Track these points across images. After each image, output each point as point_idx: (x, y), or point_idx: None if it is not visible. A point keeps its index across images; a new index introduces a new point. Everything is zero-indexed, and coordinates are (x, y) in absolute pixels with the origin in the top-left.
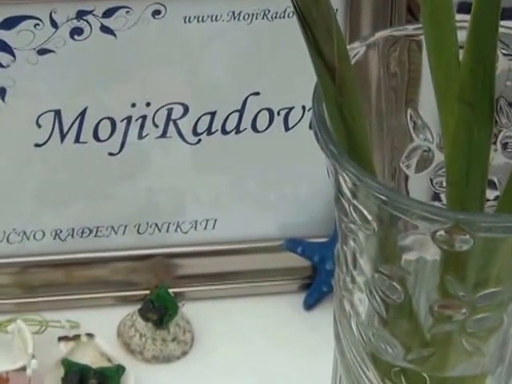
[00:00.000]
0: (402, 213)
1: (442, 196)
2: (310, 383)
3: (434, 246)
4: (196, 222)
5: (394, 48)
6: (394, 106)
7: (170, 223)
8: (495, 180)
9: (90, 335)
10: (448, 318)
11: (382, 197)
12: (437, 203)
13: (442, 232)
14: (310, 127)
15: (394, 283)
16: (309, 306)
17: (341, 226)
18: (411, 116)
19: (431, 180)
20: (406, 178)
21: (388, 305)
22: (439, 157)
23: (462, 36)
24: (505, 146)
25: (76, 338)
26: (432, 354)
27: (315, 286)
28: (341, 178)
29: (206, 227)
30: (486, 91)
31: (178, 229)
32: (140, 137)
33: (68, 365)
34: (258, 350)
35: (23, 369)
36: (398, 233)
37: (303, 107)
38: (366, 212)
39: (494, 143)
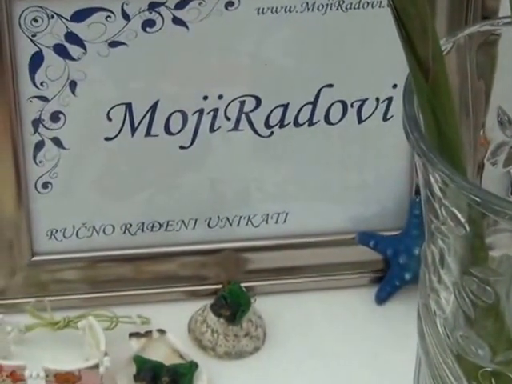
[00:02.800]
0: (496, 214)
1: None
2: (383, 379)
3: None
4: (267, 215)
5: (479, 44)
6: (479, 102)
7: (240, 217)
8: None
9: (161, 331)
10: None
11: (474, 198)
12: None
13: None
14: (384, 119)
15: (484, 285)
16: (381, 300)
17: (429, 227)
18: (498, 113)
19: None
20: (487, 173)
21: (476, 306)
22: None
23: None
24: None
25: (147, 334)
26: None
27: (387, 279)
28: (432, 178)
29: (277, 221)
30: None
31: (249, 222)
32: (212, 130)
33: (140, 362)
34: (330, 344)
35: (96, 366)
36: (485, 234)
37: (377, 99)
38: (457, 213)
39: None
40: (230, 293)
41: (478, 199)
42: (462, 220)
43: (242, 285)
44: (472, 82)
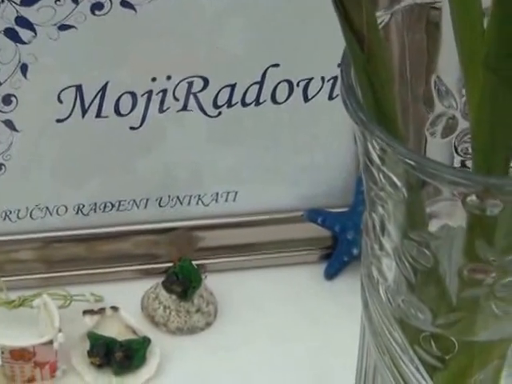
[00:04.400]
0: (432, 178)
1: (467, 163)
2: (333, 351)
3: (460, 212)
4: (217, 194)
5: (417, 16)
6: (418, 73)
7: (191, 196)
8: None
9: (114, 308)
10: (477, 282)
11: (411, 162)
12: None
13: (472, 197)
14: (329, 98)
15: (423, 248)
16: (330, 275)
17: (369, 194)
18: (435, 83)
19: (455, 147)
20: (431, 144)
21: (417, 270)
22: (463, 124)
23: (486, 1)
24: None
25: (101, 311)
26: (460, 319)
27: (336, 255)
28: (370, 145)
29: (226, 199)
30: (511, 57)
31: (200, 202)
32: (161, 110)
33: (94, 338)
34: (281, 319)
35: (50, 342)
36: (424, 199)
37: (322, 78)
38: (395, 178)
39: None
40: (181, 269)
41: (413, 163)
42: (400, 184)
43: (194, 262)
44: (411, 53)
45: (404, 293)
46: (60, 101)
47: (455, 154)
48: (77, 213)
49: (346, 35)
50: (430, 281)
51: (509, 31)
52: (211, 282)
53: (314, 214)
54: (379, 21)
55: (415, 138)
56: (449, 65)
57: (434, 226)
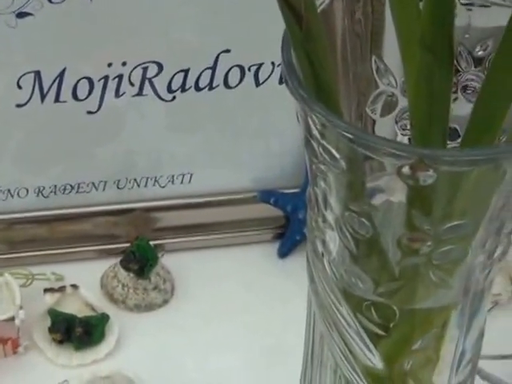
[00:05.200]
0: (369, 150)
1: (406, 139)
2: (286, 325)
3: (400, 186)
4: (173, 176)
5: None
6: (358, 53)
7: (147, 178)
8: (458, 128)
9: (74, 286)
10: (415, 251)
11: (349, 135)
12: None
13: (406, 167)
14: (280, 82)
15: (363, 219)
16: (283, 254)
17: (311, 168)
18: (375, 63)
19: (396, 124)
20: (373, 122)
21: (357, 241)
22: (403, 101)
23: None
24: (464, 88)
25: (61, 289)
26: (401, 288)
27: (288, 234)
28: (310, 121)
29: (182, 181)
30: (446, 37)
31: (156, 183)
32: (117, 95)
33: (54, 315)
34: (236, 296)
35: (11, 319)
36: (365, 172)
37: (272, 63)
38: (334, 151)
39: (456, 91)
40: (138, 248)
41: (351, 136)
42: (339, 157)
43: (152, 242)
44: (351, 33)
45: (347, 264)
46: (19, 86)
47: (398, 132)
48: (37, 195)
49: (284, 14)
50: (371, 251)
51: (442, 12)
52: (168, 260)
53: (267, 195)
54: (321, 1)
55: (357, 116)
56: (389, 45)
57: (376, 201)
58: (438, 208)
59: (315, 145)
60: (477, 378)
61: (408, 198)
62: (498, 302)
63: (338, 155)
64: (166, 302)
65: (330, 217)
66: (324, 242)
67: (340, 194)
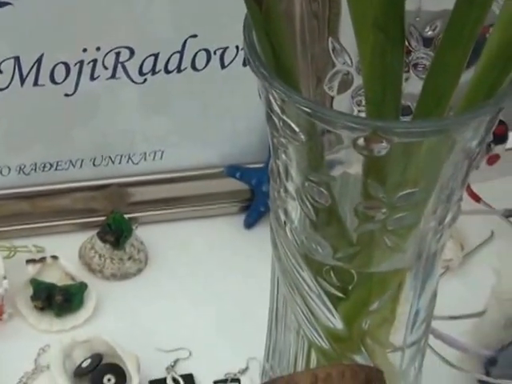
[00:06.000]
0: (326, 123)
1: (363, 115)
2: (252, 290)
3: (357, 158)
4: (145, 153)
5: None
6: (316, 34)
7: (121, 156)
8: (411, 105)
9: (54, 257)
10: (370, 218)
11: (307, 109)
12: None
13: (361, 139)
14: (244, 64)
15: (322, 189)
16: (249, 225)
17: (273, 142)
18: (332, 43)
19: (352, 100)
20: (331, 99)
21: (317, 209)
22: (358, 79)
23: None
24: (415, 66)
25: (42, 260)
26: (358, 253)
27: (253, 206)
28: (271, 97)
29: (154, 158)
30: (398, 18)
31: (130, 161)
32: (92, 79)
33: (36, 284)
34: (205, 265)
35: None
36: (323, 145)
37: (237, 47)
38: (293, 125)
39: (408, 70)
40: (114, 221)
41: (309, 110)
42: (298, 130)
43: (127, 216)
44: (309, 15)
45: (307, 231)
46: (0, 71)
47: (355, 108)
48: (19, 173)
49: None
50: (330, 219)
51: None
52: (142, 232)
53: (233, 170)
54: None
55: (316, 93)
56: (345, 26)
57: (335, 172)
58: (391, 177)
59: (276, 119)
60: (431, 337)
61: (364, 168)
62: (449, 267)
63: (297, 129)
64: (140, 270)
65: (291, 187)
66: (286, 212)
67: (300, 166)
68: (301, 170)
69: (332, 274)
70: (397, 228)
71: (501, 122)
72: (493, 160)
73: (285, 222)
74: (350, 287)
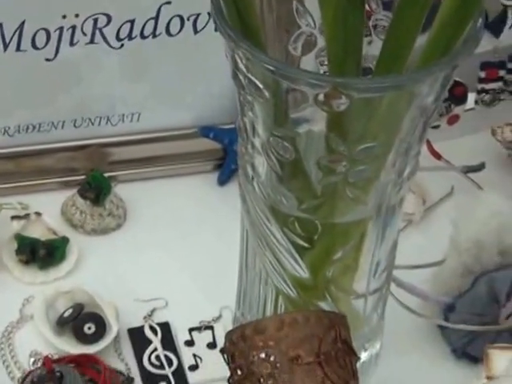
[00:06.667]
0: (288, 80)
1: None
2: (225, 243)
3: (321, 116)
4: (123, 115)
5: None
6: None
7: (101, 118)
8: (372, 67)
9: (38, 214)
10: (333, 171)
11: (270, 67)
12: None
13: (321, 95)
14: (215, 30)
15: (286, 143)
16: (222, 182)
17: (240, 100)
18: (296, 5)
19: (316, 59)
20: (298, 59)
21: (282, 163)
22: (321, 40)
23: None
24: (375, 27)
25: (26, 216)
26: (322, 204)
27: (226, 164)
28: (236, 56)
29: (131, 120)
30: None
31: (109, 122)
32: (71, 44)
33: (20, 239)
34: (181, 220)
35: None
36: (287, 101)
37: (209, 13)
38: (258, 83)
39: (369, 34)
40: (93, 179)
41: (272, 68)
42: (262, 87)
43: (107, 174)
44: None
45: (273, 184)
46: None
47: (319, 69)
48: (4, 134)
49: None
50: (295, 173)
51: None
52: (121, 190)
53: (207, 130)
54: None
55: (282, 53)
56: None
57: (300, 130)
58: (352, 132)
59: (242, 78)
60: (393, 285)
61: (327, 124)
62: (411, 221)
63: (261, 86)
64: (119, 226)
65: (257, 143)
66: (253, 166)
67: (266, 122)
68: (266, 126)
69: (297, 225)
70: (357, 180)
71: (460, 84)
72: (453, 120)
73: (252, 177)
74: (314, 237)
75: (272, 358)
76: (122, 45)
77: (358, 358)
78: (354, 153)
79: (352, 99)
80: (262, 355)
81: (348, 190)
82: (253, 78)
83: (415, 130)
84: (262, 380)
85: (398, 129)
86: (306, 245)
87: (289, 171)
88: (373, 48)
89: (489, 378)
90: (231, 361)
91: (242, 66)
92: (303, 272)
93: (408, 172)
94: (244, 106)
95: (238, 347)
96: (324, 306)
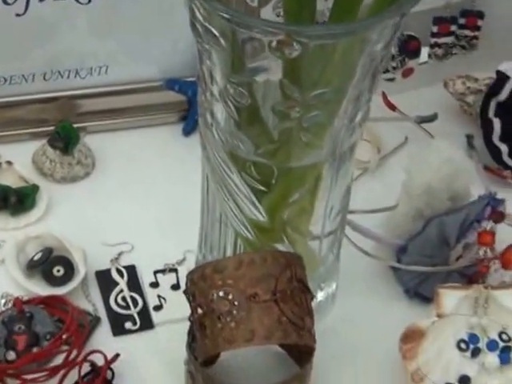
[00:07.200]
0: (243, 27)
1: None
2: (191, 191)
3: (279, 65)
4: (91, 68)
5: None
6: None
7: (69, 71)
8: None
9: (9, 163)
10: (287, 116)
11: (226, 15)
12: None
13: (275, 42)
14: None
15: (242, 89)
16: (186, 132)
17: (198, 49)
18: None
19: (273, 12)
20: (257, 11)
21: (239, 109)
22: None
23: None
24: None
25: None
26: (278, 149)
27: (190, 116)
28: (194, 6)
29: (99, 73)
30: None
31: (77, 75)
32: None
33: None
34: (147, 169)
35: None
36: (242, 49)
37: None
38: (215, 31)
39: None
40: (62, 129)
41: (228, 16)
42: (218, 35)
43: (76, 125)
44: None
45: (232, 130)
46: None
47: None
48: None
49: None
50: (252, 118)
51: None
52: (90, 140)
53: (172, 83)
54: None
55: (239, 5)
56: None
57: (258, 79)
58: (306, 79)
59: (199, 27)
60: (349, 229)
61: (282, 71)
62: (367, 169)
63: (218, 34)
64: (87, 174)
65: (215, 90)
66: (212, 114)
67: (223, 70)
68: (223, 74)
69: (254, 170)
70: (311, 125)
71: (414, 38)
72: (407, 73)
73: (211, 124)
74: (272, 181)
75: (230, 296)
76: (90, 0)
77: (313, 297)
78: (308, 98)
79: (305, 46)
80: (221, 293)
81: (302, 135)
82: (210, 27)
83: (366, 76)
84: (220, 317)
85: (349, 76)
86: (263, 189)
87: (246, 117)
88: (329, 3)
89: (439, 315)
90: (192, 299)
91: (199, 15)
92: (261, 215)
93: (359, 118)
94: (202, 55)
95: (198, 286)
96: (281, 247)
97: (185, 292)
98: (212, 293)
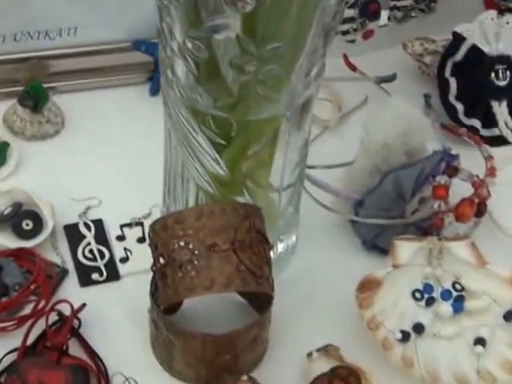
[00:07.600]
0: None
1: None
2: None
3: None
4: (60, 30)
5: None
6: None
7: (39, 32)
8: None
9: None
10: (243, 70)
11: None
12: None
13: None
14: None
15: (200, 44)
16: (153, 92)
17: (158, 6)
18: None
19: None
20: None
21: (198, 64)
22: None
23: None
24: None
25: None
26: (236, 103)
27: (156, 76)
28: None
29: (68, 34)
30: None
31: (47, 36)
32: None
33: None
34: (115, 127)
35: None
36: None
37: None
38: None
39: None
40: (32, 88)
41: None
42: None
43: (47, 85)
44: None
45: (191, 85)
46: None
47: None
48: None
49: None
50: (211, 73)
51: None
52: (60, 99)
53: (139, 44)
54: None
55: None
56: None
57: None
58: (261, 32)
59: None
60: (308, 183)
61: (241, 26)
62: (327, 126)
63: None
64: (57, 132)
65: (175, 46)
66: (173, 70)
67: (181, 25)
68: (182, 29)
69: (213, 123)
70: (267, 79)
71: (374, 1)
72: (367, 35)
73: (172, 80)
74: (231, 135)
75: (191, 246)
76: None
77: (272, 247)
78: (263, 52)
79: (260, 0)
80: (182, 243)
81: (259, 89)
82: None
83: (320, 32)
84: (181, 266)
85: (304, 30)
86: (223, 142)
87: (205, 72)
88: None
89: (395, 266)
90: (154, 250)
91: None
92: (221, 169)
93: (315, 73)
94: (162, 12)
95: (160, 237)
96: (242, 200)
97: (150, 245)
98: (173, 242)
